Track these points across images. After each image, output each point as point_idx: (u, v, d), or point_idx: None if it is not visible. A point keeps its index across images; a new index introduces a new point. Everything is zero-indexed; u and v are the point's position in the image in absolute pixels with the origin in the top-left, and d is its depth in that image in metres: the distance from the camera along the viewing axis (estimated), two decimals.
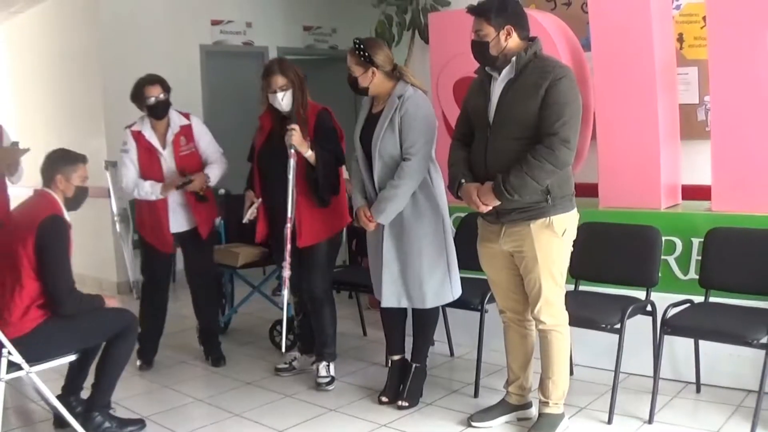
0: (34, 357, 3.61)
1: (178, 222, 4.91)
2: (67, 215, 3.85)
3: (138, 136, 4.83)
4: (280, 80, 4.39)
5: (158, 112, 4.83)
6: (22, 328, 3.59)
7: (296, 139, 4.22)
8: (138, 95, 4.81)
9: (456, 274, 4.15)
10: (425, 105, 4.04)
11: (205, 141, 5.01)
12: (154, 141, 4.85)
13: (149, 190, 4.78)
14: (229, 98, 8.61)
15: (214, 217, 5.11)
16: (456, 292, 4.16)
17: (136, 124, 4.89)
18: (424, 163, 3.95)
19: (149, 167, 4.83)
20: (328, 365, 4.58)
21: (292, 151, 4.25)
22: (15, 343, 3.52)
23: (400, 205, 3.96)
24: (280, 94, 4.38)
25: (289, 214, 4.32)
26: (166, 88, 4.87)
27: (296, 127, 4.22)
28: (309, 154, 4.27)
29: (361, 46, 4.01)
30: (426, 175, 4.01)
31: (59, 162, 3.87)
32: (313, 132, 4.39)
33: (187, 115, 5.00)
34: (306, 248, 4.44)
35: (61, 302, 3.65)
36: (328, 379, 4.52)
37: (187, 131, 4.94)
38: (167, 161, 4.86)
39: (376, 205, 4.00)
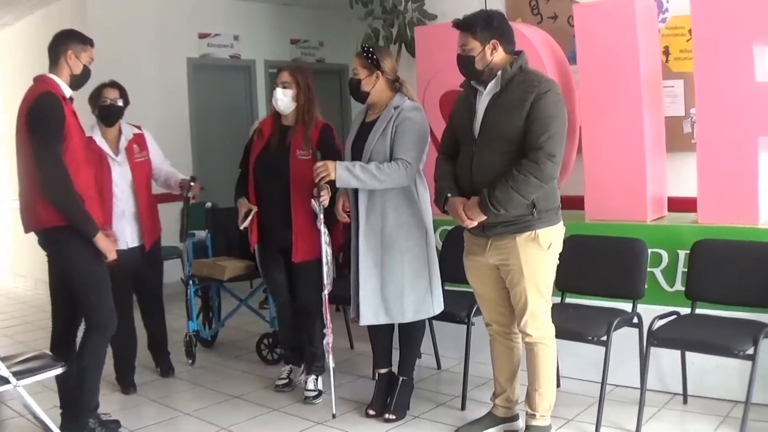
0: (51, 249, 3.83)
1: (133, 236, 4.82)
2: (68, 90, 3.84)
3: (88, 142, 4.66)
4: (285, 76, 4.45)
5: (109, 115, 4.78)
6: (47, 220, 3.71)
7: (326, 201, 4.12)
8: (95, 96, 4.79)
9: (438, 290, 4.15)
10: (421, 120, 4.04)
11: (157, 150, 5.05)
12: (105, 147, 4.76)
13: None
14: (216, 111, 8.65)
15: (159, 230, 5.03)
16: (437, 307, 4.15)
17: (87, 132, 4.75)
18: (410, 171, 3.92)
19: (99, 173, 4.64)
20: (317, 379, 4.57)
21: (321, 216, 4.14)
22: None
23: (365, 184, 3.90)
24: (279, 90, 4.41)
25: (324, 280, 4.19)
26: (124, 97, 4.85)
27: (326, 194, 4.08)
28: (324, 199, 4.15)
29: (371, 49, 4.05)
30: (412, 188, 4.02)
31: (71, 39, 3.89)
32: (316, 146, 4.40)
33: (138, 126, 5.00)
34: (300, 264, 4.43)
35: (43, 179, 3.64)
36: (315, 393, 4.51)
37: (139, 139, 4.93)
38: (121, 167, 4.78)
39: (349, 165, 3.92)
